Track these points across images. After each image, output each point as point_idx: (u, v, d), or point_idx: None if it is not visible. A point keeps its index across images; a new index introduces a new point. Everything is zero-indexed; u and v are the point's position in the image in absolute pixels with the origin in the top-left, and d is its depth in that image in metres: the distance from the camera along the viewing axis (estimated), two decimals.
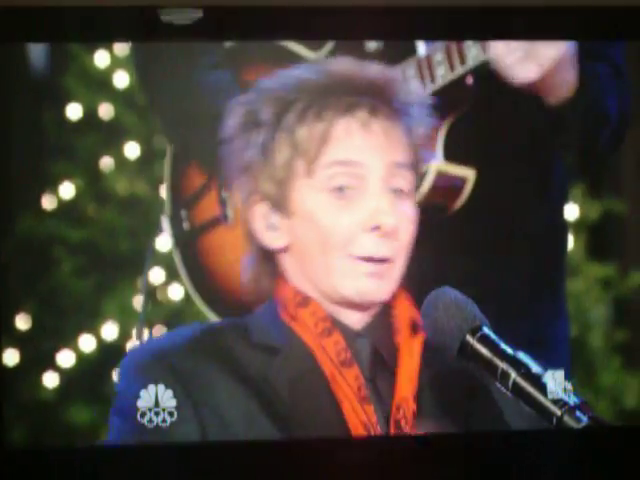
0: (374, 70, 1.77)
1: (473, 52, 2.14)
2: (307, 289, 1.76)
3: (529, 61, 2.07)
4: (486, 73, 2.16)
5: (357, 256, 1.73)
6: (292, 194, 1.73)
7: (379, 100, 1.73)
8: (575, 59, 2.12)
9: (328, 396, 1.73)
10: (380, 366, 1.75)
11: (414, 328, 1.77)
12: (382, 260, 1.74)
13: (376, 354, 1.75)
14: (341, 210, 1.72)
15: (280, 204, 1.74)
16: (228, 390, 1.73)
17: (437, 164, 2.21)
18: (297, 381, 1.73)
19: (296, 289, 1.76)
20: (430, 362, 1.77)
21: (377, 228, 1.72)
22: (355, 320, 1.77)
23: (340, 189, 1.72)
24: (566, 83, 2.11)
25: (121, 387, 1.81)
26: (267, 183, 1.74)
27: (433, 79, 2.18)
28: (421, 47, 2.19)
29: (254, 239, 1.79)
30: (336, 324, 1.74)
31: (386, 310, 1.79)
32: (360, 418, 1.72)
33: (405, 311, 1.79)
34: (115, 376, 2.24)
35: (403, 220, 1.75)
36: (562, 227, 2.36)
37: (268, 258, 1.79)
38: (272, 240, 1.77)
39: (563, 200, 2.36)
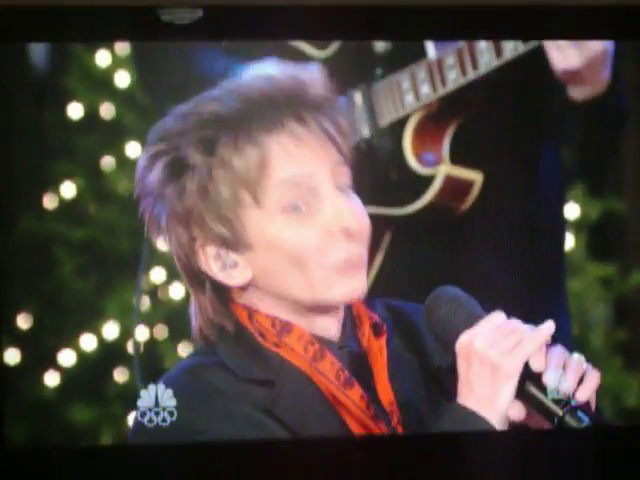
0: (281, 78, 1.68)
1: (486, 58, 2.13)
2: (283, 313, 1.69)
3: (574, 49, 2.07)
4: (495, 77, 2.16)
5: (334, 262, 1.66)
6: (246, 228, 1.66)
7: (298, 105, 1.67)
8: (611, 57, 2.12)
9: (334, 418, 1.69)
10: (367, 375, 1.70)
11: (375, 328, 1.72)
12: (356, 256, 1.70)
13: (362, 362, 1.71)
14: (302, 226, 1.66)
15: (234, 241, 1.67)
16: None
17: (444, 167, 2.21)
18: (300, 408, 1.68)
19: (272, 317, 1.69)
20: (430, 361, 1.75)
21: (346, 230, 1.68)
22: (333, 331, 1.71)
23: (294, 206, 1.66)
24: (600, 79, 2.12)
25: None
26: (216, 224, 1.66)
27: (444, 83, 2.17)
28: (431, 50, 2.19)
29: (206, 282, 1.71)
30: (323, 343, 1.69)
31: (348, 312, 1.73)
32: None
33: (362, 309, 1.74)
34: (116, 375, 2.25)
35: (362, 213, 1.71)
36: (563, 227, 2.36)
37: (222, 297, 1.72)
38: (232, 278, 1.69)
39: (564, 200, 2.37)
